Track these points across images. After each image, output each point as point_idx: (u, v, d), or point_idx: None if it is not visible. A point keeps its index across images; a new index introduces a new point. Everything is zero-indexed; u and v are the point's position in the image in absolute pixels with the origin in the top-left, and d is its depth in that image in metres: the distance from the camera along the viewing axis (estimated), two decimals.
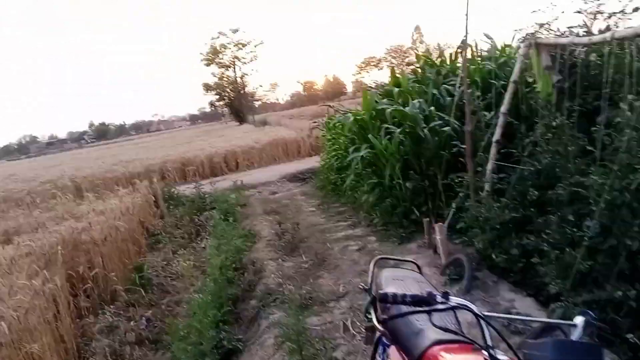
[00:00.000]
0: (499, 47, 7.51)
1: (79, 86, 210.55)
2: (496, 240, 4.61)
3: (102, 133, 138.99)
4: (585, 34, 4.57)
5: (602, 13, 4.48)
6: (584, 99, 4.59)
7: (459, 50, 7.86)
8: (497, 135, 5.33)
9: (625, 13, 4.16)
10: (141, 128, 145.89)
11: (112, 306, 5.94)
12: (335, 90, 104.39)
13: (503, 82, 6.43)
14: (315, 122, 14.87)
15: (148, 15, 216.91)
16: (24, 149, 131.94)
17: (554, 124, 4.64)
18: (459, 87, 7.01)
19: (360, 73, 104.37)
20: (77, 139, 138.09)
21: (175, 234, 9.33)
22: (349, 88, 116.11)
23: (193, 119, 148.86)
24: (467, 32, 5.42)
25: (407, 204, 6.67)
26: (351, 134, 7.76)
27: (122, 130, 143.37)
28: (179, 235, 9.27)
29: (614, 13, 4.51)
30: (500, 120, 5.31)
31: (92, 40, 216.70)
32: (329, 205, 9.76)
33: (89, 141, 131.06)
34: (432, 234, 5.89)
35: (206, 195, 11.88)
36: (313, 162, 15.77)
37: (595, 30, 5.12)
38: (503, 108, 5.27)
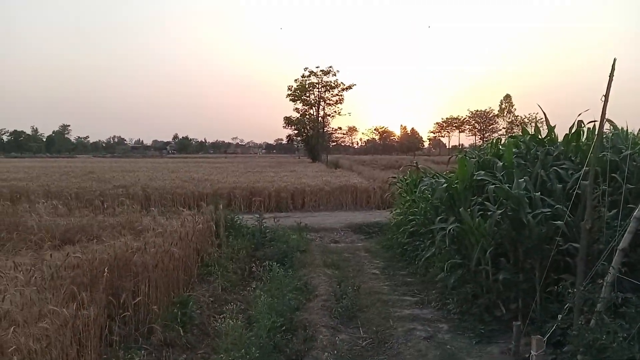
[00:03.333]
0: (624, 137, 6.54)
1: (170, 98, 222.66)
2: None
3: (183, 146, 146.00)
4: None
5: None
6: None
7: (573, 132, 6.96)
8: (624, 243, 4.38)
9: None
10: (219, 148, 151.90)
11: (145, 345, 5.42)
12: (411, 144, 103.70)
13: (628, 177, 5.49)
14: (394, 177, 14.15)
15: (244, 43, 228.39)
16: (111, 148, 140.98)
17: None
18: (571, 173, 6.16)
19: (439, 131, 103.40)
20: (160, 148, 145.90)
21: (229, 268, 8.84)
22: (425, 144, 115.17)
23: (268, 148, 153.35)
24: (604, 116, 4.61)
25: (492, 297, 5.75)
26: (438, 201, 6.96)
27: (201, 147, 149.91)
28: (232, 270, 8.78)
29: None
30: (632, 225, 4.37)
31: (190, 53, 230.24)
32: (395, 271, 8.93)
33: (170, 152, 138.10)
34: (520, 342, 4.95)
35: (267, 231, 11.41)
36: (381, 215, 15.02)
37: None
38: (638, 212, 4.34)
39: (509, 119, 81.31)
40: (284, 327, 5.47)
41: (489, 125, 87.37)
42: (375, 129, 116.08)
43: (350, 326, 6.07)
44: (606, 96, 4.56)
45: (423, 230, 8.20)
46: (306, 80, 56.38)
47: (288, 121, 59.25)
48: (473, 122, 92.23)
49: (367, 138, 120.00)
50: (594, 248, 4.88)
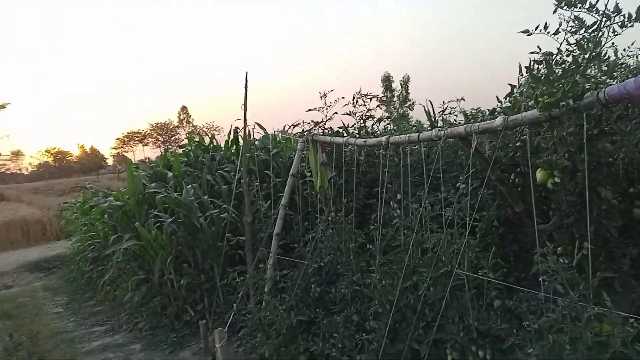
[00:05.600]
0: (271, 138, 7.59)
1: None
2: (282, 347, 4.21)
3: None
4: (357, 135, 4.82)
5: (372, 117, 4.83)
6: (355, 195, 4.72)
7: (232, 137, 7.71)
8: (277, 228, 5.13)
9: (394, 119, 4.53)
10: None
11: None
12: (92, 163, 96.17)
13: (277, 172, 6.45)
14: (66, 202, 12.83)
15: None
16: None
17: (330, 218, 4.68)
18: (234, 175, 6.83)
19: (122, 147, 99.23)
20: None
21: None
22: (109, 161, 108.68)
23: None
24: (246, 121, 5.27)
25: (179, 303, 5.89)
26: (112, 220, 6.67)
27: None
28: None
29: (384, 118, 4.92)
30: (281, 212, 5.15)
31: None
32: (81, 304, 8.17)
33: None
34: (209, 339, 5.24)
35: None
36: (62, 247, 13.50)
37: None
38: (283, 200, 5.14)
39: (189, 129, 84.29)
40: None
41: (172, 137, 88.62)
42: (46, 151, 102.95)
43: None
44: (245, 104, 5.22)
45: (105, 253, 7.74)
46: None
47: None
48: (155, 134, 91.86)
49: (39, 162, 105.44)
50: (257, 237, 5.55)
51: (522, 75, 3.23)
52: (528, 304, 2.75)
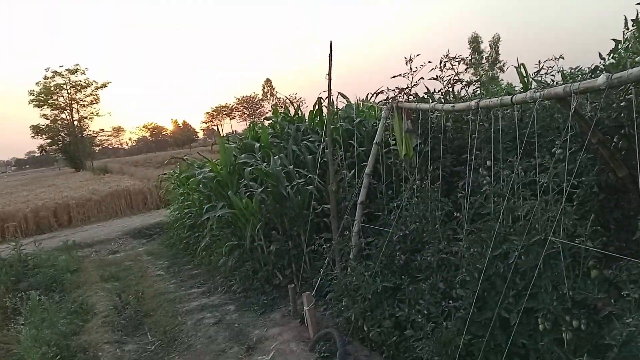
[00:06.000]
0: (355, 107, 7.57)
1: None
2: (368, 311, 4.32)
3: None
4: (444, 100, 4.69)
5: (461, 81, 4.67)
6: (442, 163, 4.63)
7: (317, 108, 7.80)
8: (362, 197, 5.18)
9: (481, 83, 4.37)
10: None
11: None
12: (185, 137, 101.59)
13: (361, 141, 6.46)
14: (165, 173, 13.77)
15: None
16: None
17: (415, 186, 4.64)
18: (318, 145, 6.94)
19: (211, 121, 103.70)
20: None
21: None
22: (200, 134, 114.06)
23: (20, 164, 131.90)
24: (330, 91, 5.30)
25: (269, 268, 6.18)
26: (207, 189, 7.10)
27: None
28: None
29: (472, 82, 4.75)
30: (365, 181, 5.19)
31: None
32: (180, 267, 8.82)
33: None
34: (297, 302, 5.47)
35: (29, 258, 10.02)
36: (162, 215, 14.60)
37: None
38: (367, 169, 5.17)
39: (273, 101, 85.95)
40: (58, 357, 4.96)
41: (257, 109, 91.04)
42: (144, 127, 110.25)
43: (137, 334, 5.83)
44: (329, 74, 5.25)
45: (200, 220, 8.26)
46: (50, 81, 49.33)
47: (37, 130, 51.26)
48: (241, 107, 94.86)
49: (137, 137, 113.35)
50: (342, 206, 5.65)
51: (627, 29, 2.97)
52: (629, 273, 2.60)
